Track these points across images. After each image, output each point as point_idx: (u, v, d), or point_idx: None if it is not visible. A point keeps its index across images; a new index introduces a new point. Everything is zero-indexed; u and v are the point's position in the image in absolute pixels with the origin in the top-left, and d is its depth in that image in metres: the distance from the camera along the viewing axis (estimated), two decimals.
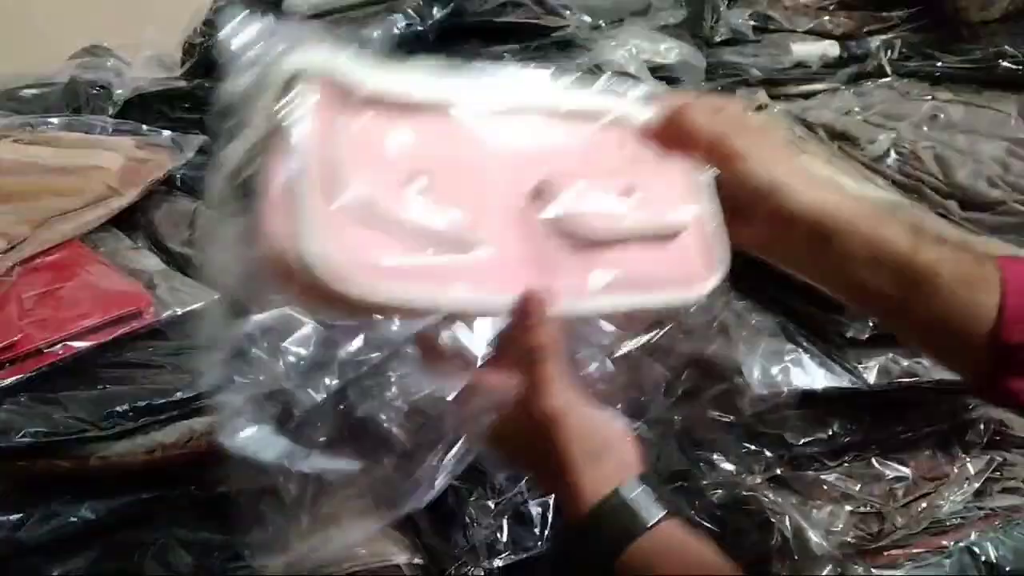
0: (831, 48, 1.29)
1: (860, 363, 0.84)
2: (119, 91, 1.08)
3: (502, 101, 0.52)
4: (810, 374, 0.84)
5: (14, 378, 0.66)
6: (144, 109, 1.08)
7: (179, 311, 0.75)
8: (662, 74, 1.16)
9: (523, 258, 0.51)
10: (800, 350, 0.84)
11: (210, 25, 1.05)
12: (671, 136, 0.57)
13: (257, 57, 0.45)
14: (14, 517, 0.62)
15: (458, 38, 1.16)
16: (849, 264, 0.56)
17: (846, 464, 0.90)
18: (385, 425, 0.84)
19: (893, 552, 0.89)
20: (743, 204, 0.57)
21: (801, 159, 0.59)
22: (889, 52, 1.23)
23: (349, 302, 0.46)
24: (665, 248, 0.57)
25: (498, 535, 0.74)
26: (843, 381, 0.84)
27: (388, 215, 0.46)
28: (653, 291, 0.56)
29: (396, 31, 1.11)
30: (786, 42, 1.27)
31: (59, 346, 0.69)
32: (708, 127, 0.56)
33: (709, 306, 0.60)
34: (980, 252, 0.59)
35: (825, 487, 0.88)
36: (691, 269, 0.58)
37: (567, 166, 0.54)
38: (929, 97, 1.13)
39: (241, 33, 0.45)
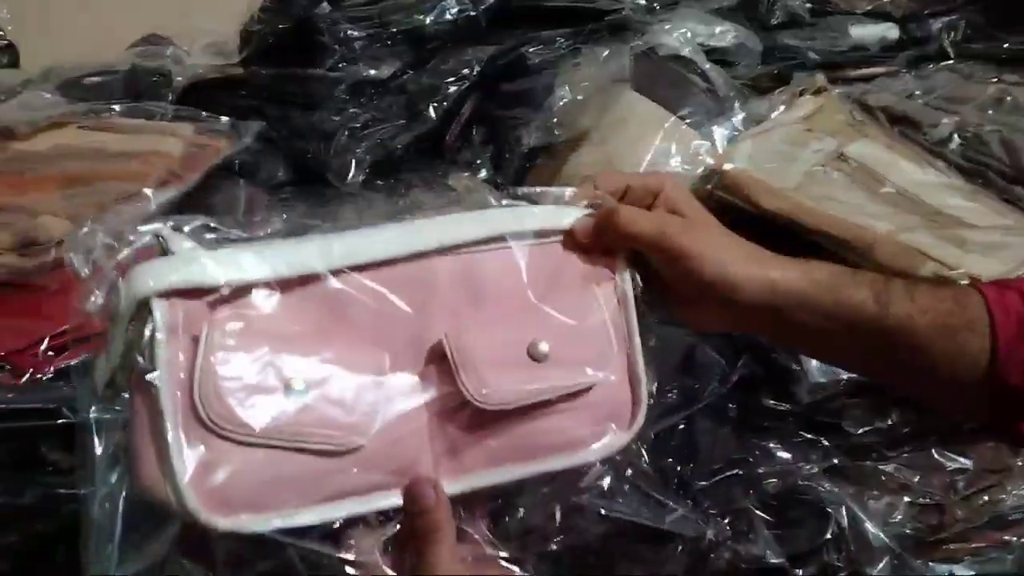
0: (891, 31, 1.26)
1: None
2: (178, 78, 1.10)
3: (382, 252, 0.48)
4: None
5: (82, 357, 0.68)
6: (202, 96, 1.10)
7: None
8: (716, 57, 1.15)
9: (417, 441, 0.47)
10: None
11: (267, 12, 1.07)
12: (601, 242, 0.54)
13: (105, 271, 0.44)
14: (83, 491, 0.64)
15: (510, 23, 1.16)
16: (819, 336, 0.55)
17: (905, 455, 0.88)
18: None
19: (953, 546, 0.87)
20: (693, 295, 0.55)
21: (740, 241, 0.58)
22: (952, 34, 1.20)
23: (227, 535, 0.42)
24: (580, 403, 0.52)
25: (551, 519, 0.74)
26: None
27: (263, 433, 0.43)
28: (568, 451, 0.52)
29: (449, 16, 1.12)
30: (844, 25, 1.25)
31: None
32: (647, 230, 0.53)
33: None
34: (960, 290, 0.56)
35: (883, 478, 0.86)
36: (611, 414, 0.53)
37: (465, 317, 0.49)
38: (995, 80, 1.09)
39: (85, 250, 0.44)
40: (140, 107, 1.04)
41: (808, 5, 1.27)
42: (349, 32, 1.08)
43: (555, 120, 1.04)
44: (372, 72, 1.07)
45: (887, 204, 0.90)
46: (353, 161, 0.99)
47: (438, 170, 1.05)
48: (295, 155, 1.03)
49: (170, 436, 0.41)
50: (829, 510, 0.82)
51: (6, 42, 1.39)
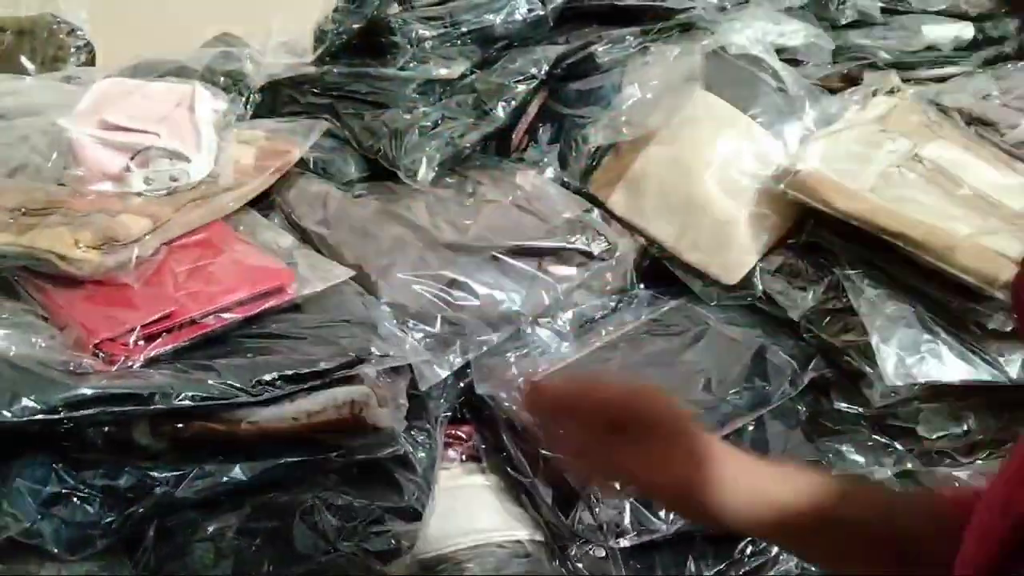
0: (965, 30, 1.23)
1: (1002, 356, 0.80)
2: (252, 78, 1.13)
3: None
4: (947, 366, 0.80)
5: (171, 345, 0.70)
6: (275, 95, 1.13)
7: (320, 287, 0.78)
8: (786, 56, 1.14)
9: None
10: (938, 341, 0.81)
11: (341, 12, 1.09)
12: None
13: None
14: (172, 475, 0.66)
15: (579, 21, 1.16)
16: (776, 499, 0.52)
17: (980, 461, 0.86)
18: (506, 404, 0.86)
19: None
20: None
21: None
22: None
23: None
24: None
25: (623, 516, 0.74)
26: (982, 374, 0.80)
27: None
28: None
29: (519, 15, 1.12)
30: (917, 24, 1.23)
31: (211, 317, 0.73)
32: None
33: None
34: None
35: (957, 484, 0.85)
36: None
37: None
38: None
39: None
40: None
41: (880, 4, 1.24)
42: (420, 32, 1.09)
43: (623, 119, 1.04)
44: (443, 71, 1.08)
45: (966, 206, 0.89)
46: (424, 159, 1.00)
47: (505, 167, 1.06)
48: (367, 153, 1.04)
49: None
50: None
51: (84, 41, 1.43)
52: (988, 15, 1.25)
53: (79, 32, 1.44)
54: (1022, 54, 1.17)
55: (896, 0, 1.26)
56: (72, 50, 1.42)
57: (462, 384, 0.89)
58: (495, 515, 0.82)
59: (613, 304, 0.98)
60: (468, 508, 0.82)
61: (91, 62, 1.43)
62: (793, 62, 1.14)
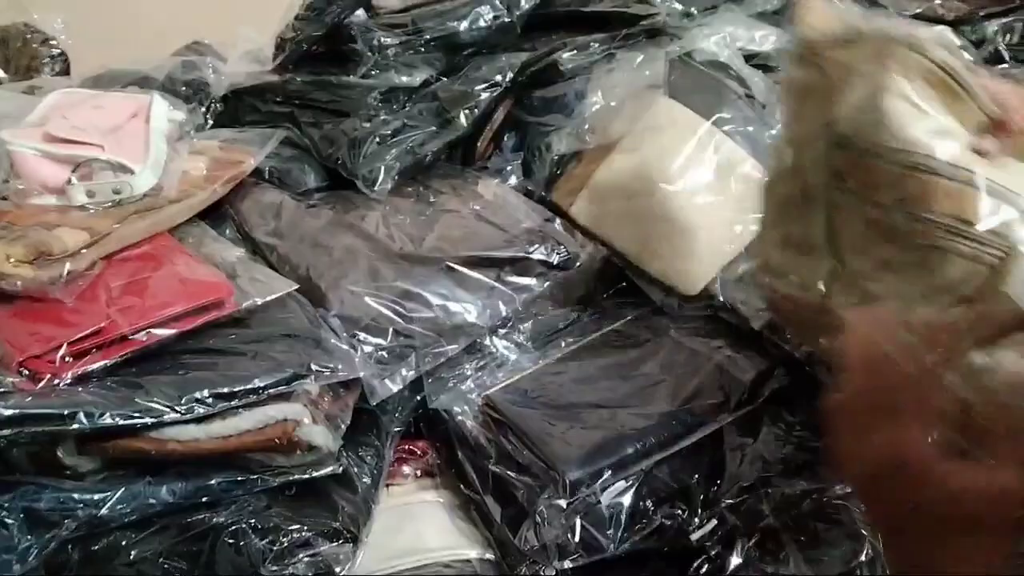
0: (944, 34, 1.21)
1: None
2: (214, 87, 1.11)
3: None
4: None
5: (101, 363, 0.69)
6: (237, 104, 1.12)
7: (259, 301, 0.76)
8: (759, 62, 1.12)
9: None
10: None
11: (302, 20, 1.07)
12: None
13: None
14: (97, 496, 0.64)
15: (545, 28, 1.14)
16: None
17: None
18: (459, 418, 0.84)
19: None
20: None
21: None
22: (1008, 36, 1.15)
23: None
24: None
25: (569, 536, 0.72)
26: None
27: None
28: None
29: (483, 23, 1.11)
30: None
31: (144, 333, 0.71)
32: None
33: None
34: None
35: None
36: None
37: None
38: None
39: None
40: None
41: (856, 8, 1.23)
42: (382, 39, 1.08)
43: (587, 127, 1.03)
44: (404, 79, 1.07)
45: None
46: (382, 168, 0.99)
47: (467, 176, 1.04)
48: (326, 162, 1.03)
49: None
50: (864, 532, 0.79)
51: (59, 51, 1.43)
52: (966, 19, 1.22)
53: (53, 42, 1.43)
54: (999, 58, 1.15)
55: (872, 4, 1.24)
56: (46, 60, 1.42)
57: (418, 398, 0.87)
58: (445, 534, 0.80)
59: (576, 314, 0.96)
60: (418, 526, 0.80)
61: (66, 71, 1.42)
62: (764, 67, 1.12)
